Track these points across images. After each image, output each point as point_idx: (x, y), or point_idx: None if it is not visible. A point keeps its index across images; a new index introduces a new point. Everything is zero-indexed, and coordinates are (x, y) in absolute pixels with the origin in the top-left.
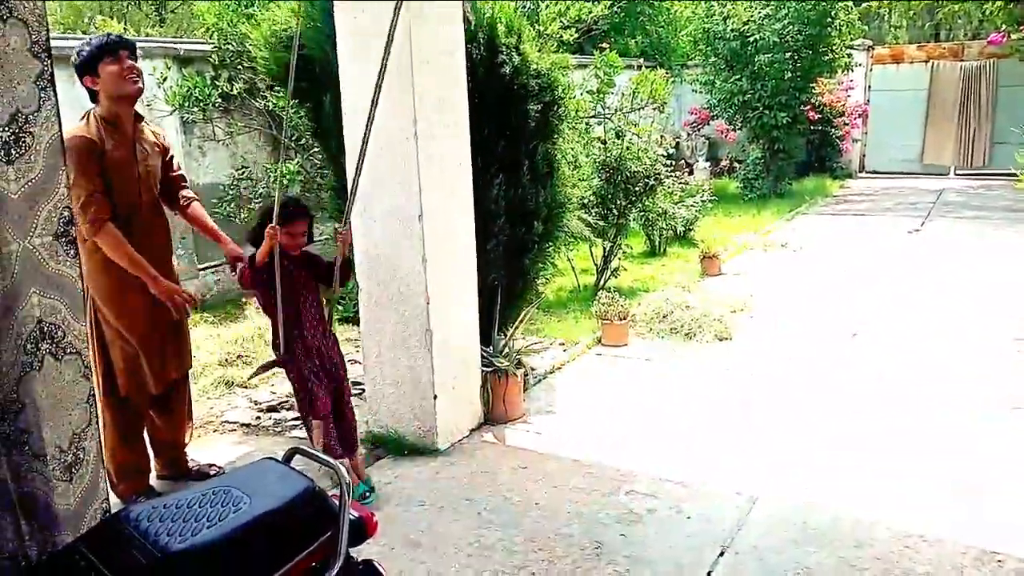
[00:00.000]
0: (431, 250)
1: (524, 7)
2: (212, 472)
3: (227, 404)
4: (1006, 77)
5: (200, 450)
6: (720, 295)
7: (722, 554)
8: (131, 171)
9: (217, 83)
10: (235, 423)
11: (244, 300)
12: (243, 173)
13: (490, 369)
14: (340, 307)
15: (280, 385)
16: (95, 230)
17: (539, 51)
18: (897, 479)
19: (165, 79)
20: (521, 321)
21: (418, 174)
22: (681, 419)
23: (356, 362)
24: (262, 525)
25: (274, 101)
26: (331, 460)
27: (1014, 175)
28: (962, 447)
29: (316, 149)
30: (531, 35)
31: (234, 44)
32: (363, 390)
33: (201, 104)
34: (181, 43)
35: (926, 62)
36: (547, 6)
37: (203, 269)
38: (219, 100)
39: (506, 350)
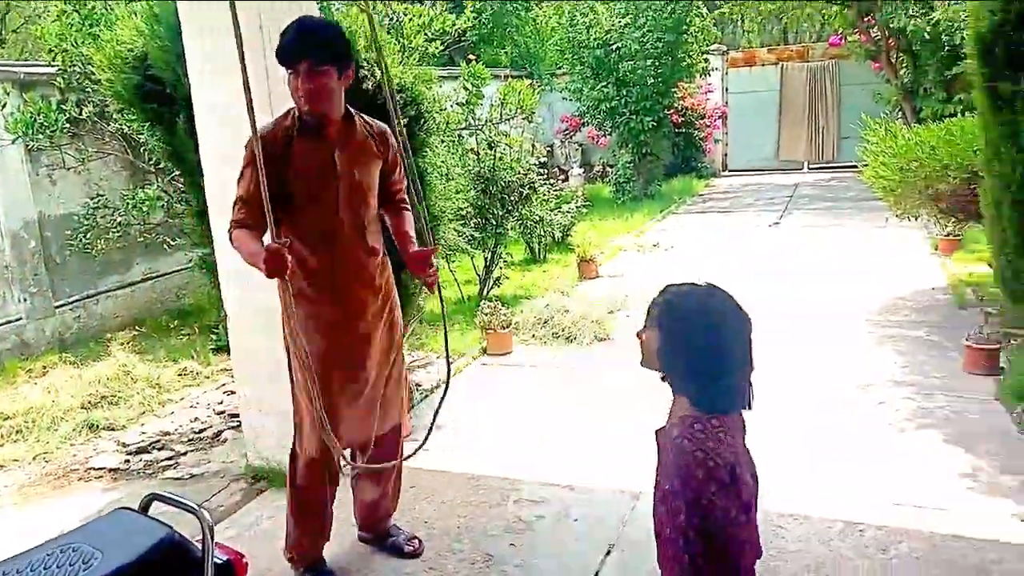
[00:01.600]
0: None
1: (390, 19)
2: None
3: (92, 449)
4: (847, 76)
5: (63, 500)
6: (598, 297)
7: (609, 553)
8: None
9: (64, 107)
10: (102, 469)
11: (109, 336)
12: (99, 201)
13: None
14: (213, 336)
15: (151, 424)
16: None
17: (401, 65)
18: (768, 462)
19: (4, 105)
20: (404, 337)
21: None
22: (566, 423)
23: (233, 393)
24: None
25: (127, 124)
26: (190, 504)
27: (856, 167)
28: (822, 427)
29: (176, 173)
30: (393, 48)
31: (80, 66)
32: (240, 422)
33: (47, 130)
34: (22, 66)
35: (776, 64)
36: (410, 19)
37: (60, 306)
38: (67, 125)
39: None
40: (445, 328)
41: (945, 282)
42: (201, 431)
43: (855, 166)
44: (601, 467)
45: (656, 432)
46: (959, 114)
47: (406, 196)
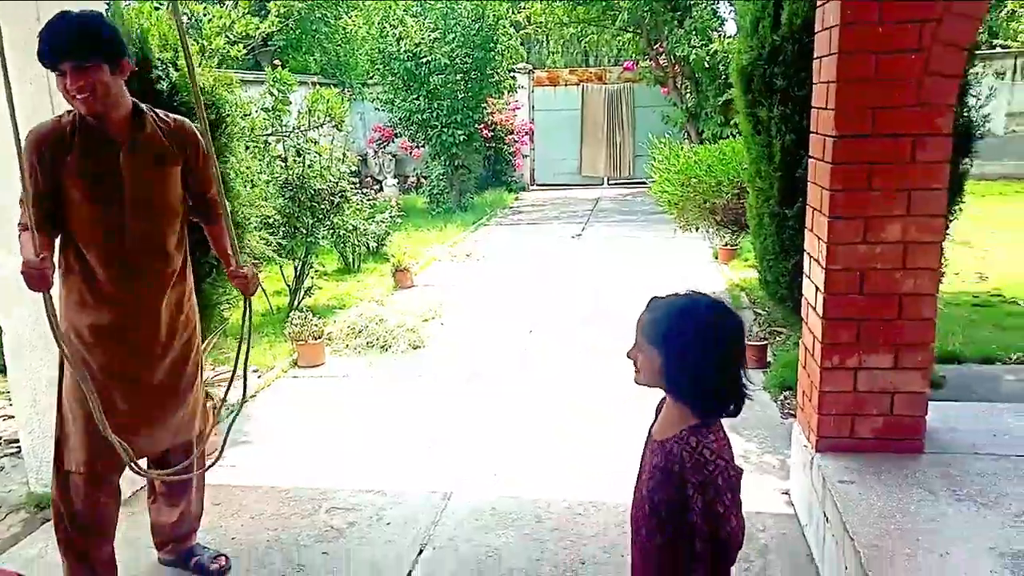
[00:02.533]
0: None
1: (188, 19)
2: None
3: None
4: (641, 99)
5: None
6: (413, 306)
7: (421, 551)
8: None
9: None
10: None
11: None
12: None
13: None
14: None
15: None
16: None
17: (200, 67)
18: (570, 456)
19: None
20: (204, 351)
21: None
22: (378, 430)
23: (11, 417)
24: None
25: None
26: None
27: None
28: (618, 419)
29: None
30: (192, 50)
31: None
32: (19, 448)
33: None
34: None
35: (578, 84)
36: (210, 19)
37: None
38: None
39: None
40: (249, 332)
41: (724, 287)
42: None
43: (647, 183)
44: (413, 472)
45: (660, 442)
46: (733, 136)
47: (218, 199)
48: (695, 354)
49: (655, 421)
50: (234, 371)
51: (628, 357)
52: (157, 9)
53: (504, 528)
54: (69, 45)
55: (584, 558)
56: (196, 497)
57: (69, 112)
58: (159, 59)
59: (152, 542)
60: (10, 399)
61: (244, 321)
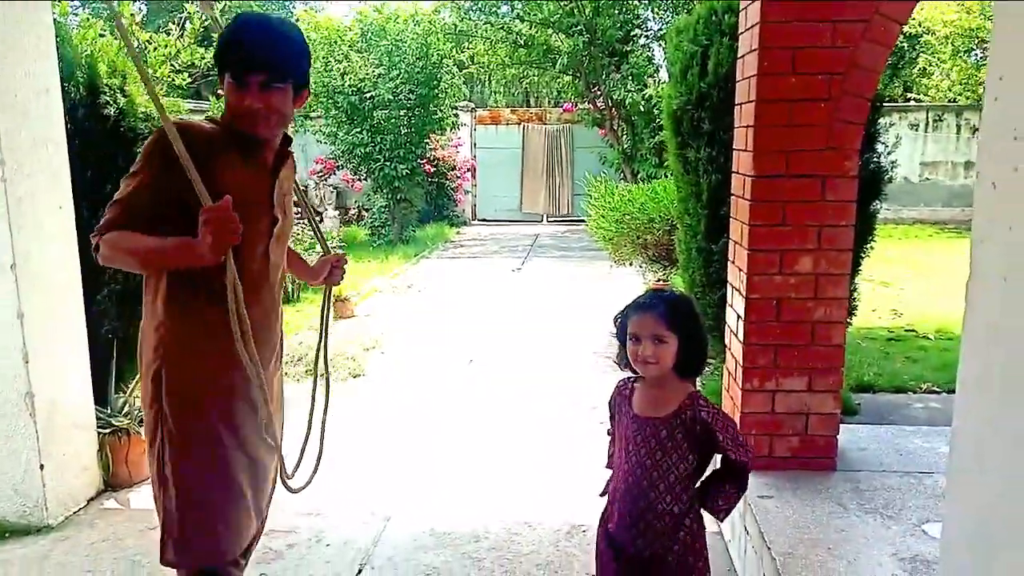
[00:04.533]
0: (28, 303)
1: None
2: None
3: None
4: (580, 139)
5: None
6: (353, 335)
7: (359, 571)
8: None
9: None
10: None
11: None
12: None
13: (108, 430)
14: None
15: None
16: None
17: (145, 95)
18: (507, 480)
19: None
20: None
21: (7, 219)
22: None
23: None
24: None
25: None
26: None
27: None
28: (555, 443)
29: None
30: (136, 77)
31: None
32: None
33: None
34: None
35: (519, 124)
36: (155, 48)
37: None
38: None
39: (126, 408)
40: (325, 346)
41: None
42: None
43: (585, 220)
44: (352, 495)
45: (666, 417)
46: (667, 176)
47: None
48: (702, 333)
49: (626, 406)
50: (316, 371)
51: (641, 355)
52: (102, 36)
53: (442, 548)
54: (275, 57)
55: (520, 575)
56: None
57: (211, 121)
58: (107, 84)
59: None
60: None
61: (324, 315)
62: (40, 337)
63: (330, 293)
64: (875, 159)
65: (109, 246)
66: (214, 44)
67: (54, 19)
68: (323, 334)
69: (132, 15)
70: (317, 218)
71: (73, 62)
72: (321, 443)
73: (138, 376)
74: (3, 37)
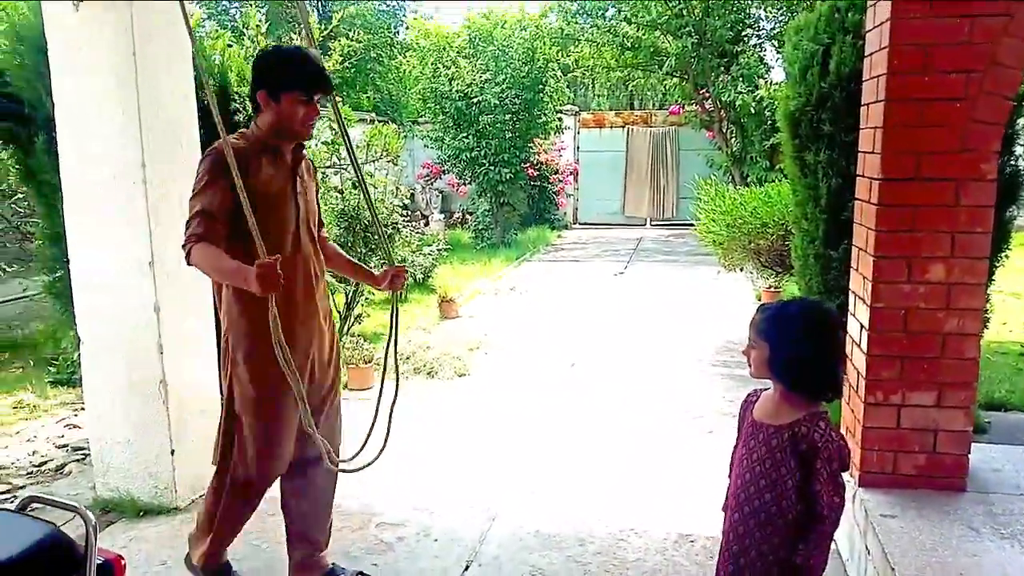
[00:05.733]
0: (164, 296)
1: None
2: None
3: None
4: (685, 142)
5: None
6: (458, 335)
7: (467, 568)
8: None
9: None
10: None
11: None
12: None
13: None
14: (51, 369)
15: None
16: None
17: None
18: (613, 485)
19: None
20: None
21: (148, 216)
22: (426, 452)
23: (75, 427)
24: None
25: None
26: (70, 503)
27: (693, 225)
28: (659, 451)
29: (20, 195)
30: None
31: None
32: (87, 454)
33: None
34: None
35: (623, 127)
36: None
37: None
38: None
39: None
40: (396, 322)
41: None
42: (41, 464)
43: (691, 224)
44: (459, 492)
45: (779, 427)
46: (778, 180)
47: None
48: (801, 346)
49: (749, 414)
50: (384, 364)
51: (743, 354)
52: (230, 46)
53: (547, 549)
54: (327, 82)
55: None
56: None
57: (242, 134)
58: (236, 92)
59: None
60: (75, 410)
61: (393, 317)
62: (173, 329)
63: (396, 299)
64: (1012, 162)
65: (198, 258)
66: (331, 53)
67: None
68: (392, 333)
69: (257, 25)
70: (422, 221)
71: (206, 70)
72: (387, 434)
73: None
74: (147, 45)
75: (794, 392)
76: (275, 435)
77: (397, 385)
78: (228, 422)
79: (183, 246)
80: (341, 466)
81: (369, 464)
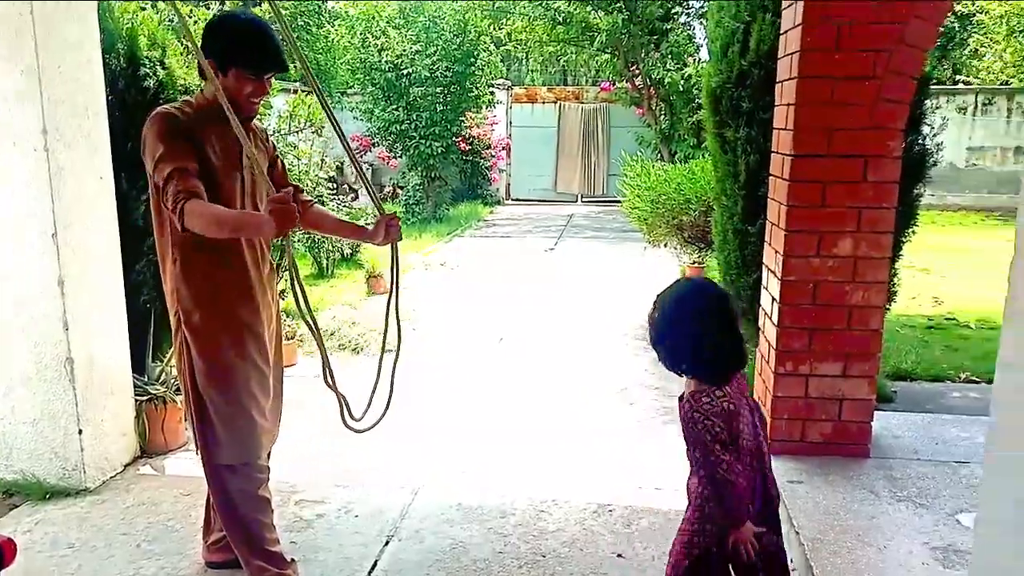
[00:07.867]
0: (68, 270)
1: (170, 21)
2: None
3: None
4: (616, 119)
5: None
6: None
7: (387, 543)
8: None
9: None
10: None
11: None
12: None
13: (145, 398)
14: None
15: None
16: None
17: (187, 67)
18: (534, 458)
19: None
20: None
21: (50, 186)
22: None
23: None
24: None
25: None
26: None
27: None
28: (583, 423)
29: None
30: (177, 50)
31: None
32: None
33: None
34: None
35: (555, 103)
36: (195, 22)
37: None
38: None
39: (163, 376)
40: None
41: None
42: None
43: (620, 201)
44: (382, 468)
45: (680, 403)
46: (704, 157)
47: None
48: (669, 329)
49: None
50: (387, 323)
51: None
52: (143, 9)
53: (469, 522)
54: (282, 62)
55: (545, 552)
56: None
57: (188, 103)
58: (147, 57)
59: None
60: None
61: (394, 271)
62: (79, 304)
63: (396, 249)
64: (920, 141)
65: (196, 214)
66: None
67: None
68: (393, 289)
69: None
70: (351, 195)
71: (114, 34)
72: (391, 391)
73: (173, 346)
74: (47, 8)
75: (686, 374)
76: (248, 401)
77: (399, 346)
78: (197, 407)
79: (172, 209)
80: (352, 426)
81: (377, 423)
